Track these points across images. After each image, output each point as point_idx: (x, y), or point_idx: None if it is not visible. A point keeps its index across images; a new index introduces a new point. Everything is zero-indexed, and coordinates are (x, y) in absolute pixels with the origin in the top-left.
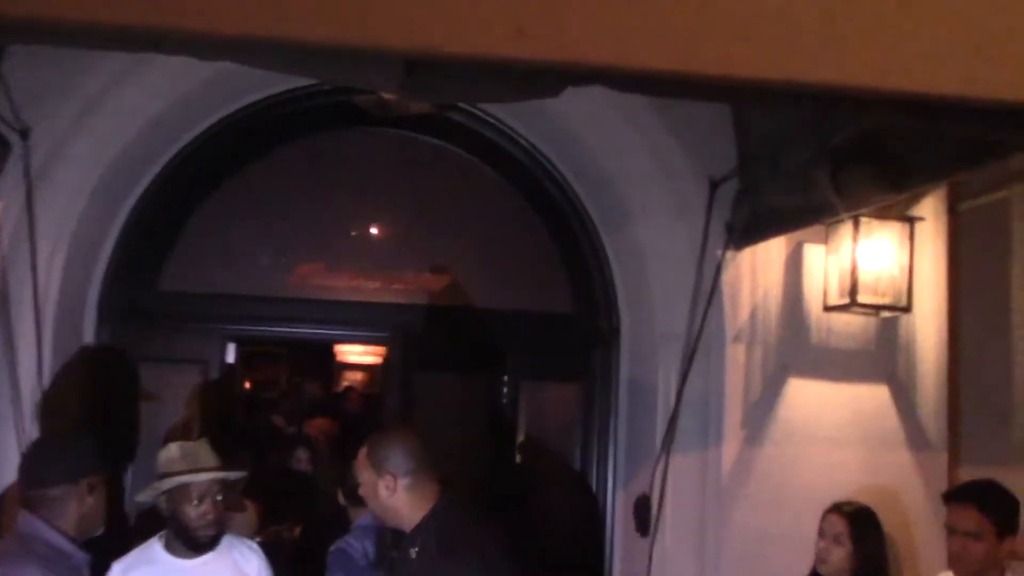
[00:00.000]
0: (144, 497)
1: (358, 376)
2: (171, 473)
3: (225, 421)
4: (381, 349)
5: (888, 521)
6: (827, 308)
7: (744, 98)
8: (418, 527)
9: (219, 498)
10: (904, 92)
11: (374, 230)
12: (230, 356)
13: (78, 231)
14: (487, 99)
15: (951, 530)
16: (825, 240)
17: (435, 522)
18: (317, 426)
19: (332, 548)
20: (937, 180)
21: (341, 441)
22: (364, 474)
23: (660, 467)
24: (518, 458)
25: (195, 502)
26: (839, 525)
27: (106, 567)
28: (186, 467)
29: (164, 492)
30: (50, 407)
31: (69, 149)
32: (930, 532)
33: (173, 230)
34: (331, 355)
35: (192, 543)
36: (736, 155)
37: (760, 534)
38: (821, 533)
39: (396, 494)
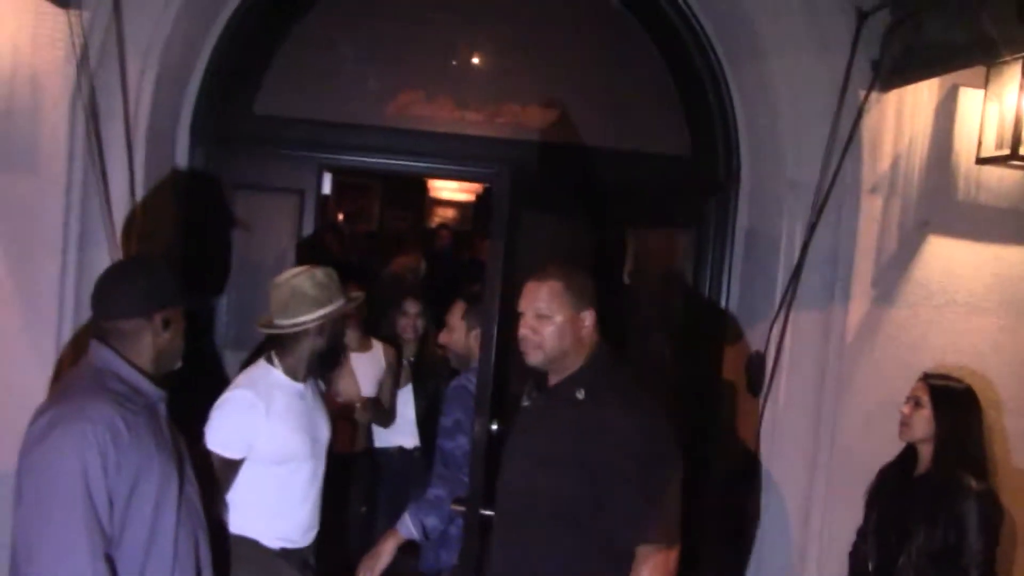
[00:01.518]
0: (301, 319)
1: (450, 213)
2: (322, 300)
3: (318, 251)
4: (475, 187)
5: (1017, 392)
6: (980, 160)
7: None
8: (584, 369)
9: None
10: None
11: (479, 59)
12: (326, 187)
13: (169, 46)
14: None
15: None
16: (985, 84)
17: (606, 367)
18: (401, 263)
19: (452, 383)
20: None
21: (428, 277)
22: (559, 311)
23: (778, 324)
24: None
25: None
26: (920, 390)
27: (185, 402)
28: (337, 293)
29: (322, 317)
30: (139, 231)
31: None
32: None
33: (268, 52)
34: (424, 190)
35: (331, 366)
36: None
37: (883, 400)
38: (906, 400)
39: (590, 330)
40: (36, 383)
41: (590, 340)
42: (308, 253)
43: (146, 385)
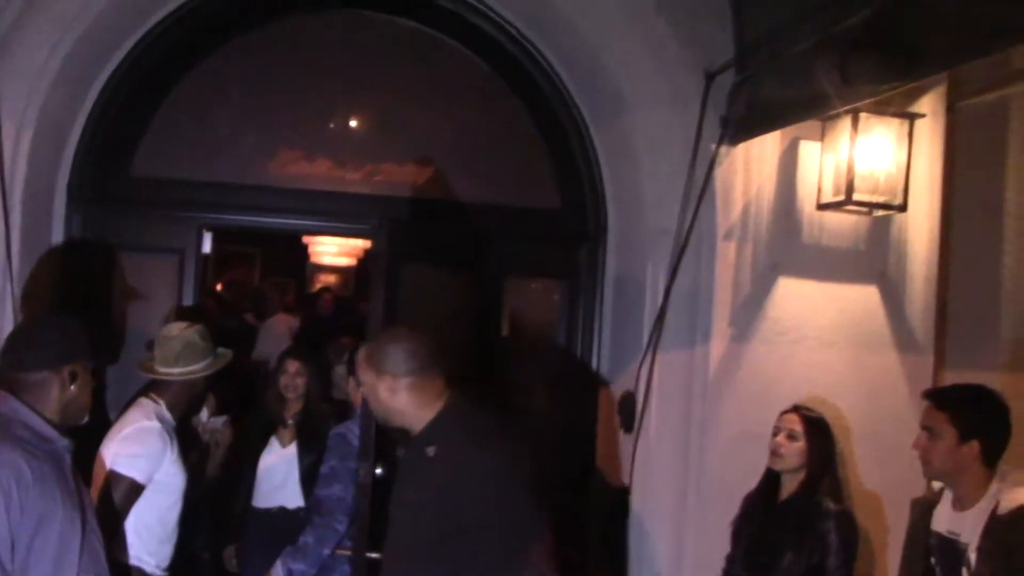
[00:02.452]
0: (192, 367)
1: (331, 279)
2: (208, 353)
3: (201, 315)
4: (356, 251)
5: (870, 421)
6: (820, 206)
7: None
8: (432, 425)
9: None
10: None
11: (355, 118)
12: (206, 246)
13: (44, 111)
14: None
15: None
16: (821, 137)
17: (453, 419)
18: (283, 321)
19: (333, 432)
20: (944, 68)
21: (306, 337)
22: (365, 376)
23: (646, 364)
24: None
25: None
26: (795, 422)
27: (88, 456)
28: (214, 348)
29: (209, 367)
30: (19, 292)
31: (30, 25)
32: (911, 434)
33: (146, 113)
34: (305, 256)
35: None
36: (734, 46)
37: (745, 432)
38: (775, 431)
39: (398, 395)
40: None
41: (412, 401)
42: (190, 317)
43: (52, 434)
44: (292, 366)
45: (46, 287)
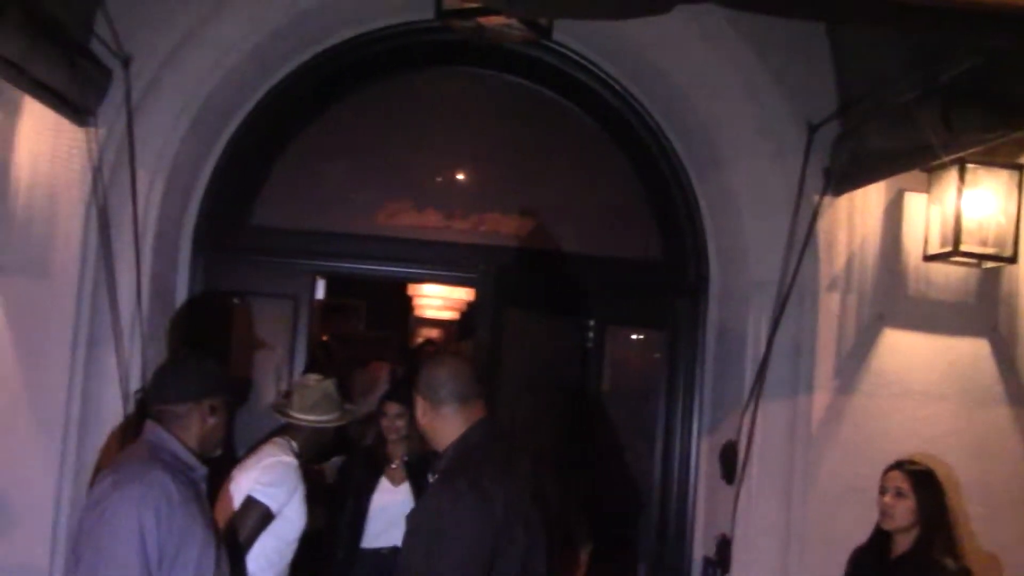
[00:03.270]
0: (327, 417)
1: (434, 333)
2: (340, 405)
3: (313, 363)
4: (459, 304)
5: (981, 477)
6: (927, 258)
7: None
8: (442, 454)
9: None
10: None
11: (463, 171)
12: (319, 293)
13: (176, 162)
14: (594, 14)
15: None
16: (927, 188)
17: (455, 451)
18: (380, 367)
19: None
20: None
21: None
22: (417, 397)
23: (748, 415)
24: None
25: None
26: (900, 480)
27: (218, 486)
28: (341, 406)
29: (342, 418)
30: (143, 333)
31: (168, 80)
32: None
33: (265, 166)
34: (409, 310)
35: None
36: (836, 97)
37: (848, 485)
38: (882, 490)
39: (428, 417)
40: (42, 475)
41: (440, 427)
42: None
43: (194, 461)
44: (392, 409)
45: (170, 330)
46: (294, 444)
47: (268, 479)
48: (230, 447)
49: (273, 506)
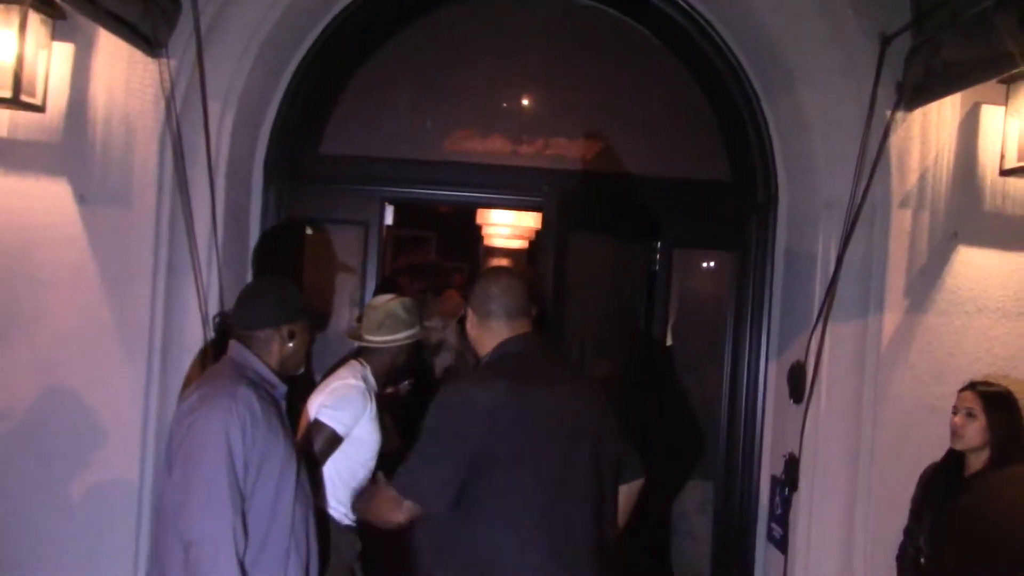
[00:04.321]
0: (394, 336)
1: (504, 262)
2: (411, 324)
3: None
4: (528, 232)
5: None
6: (1004, 172)
7: None
8: (481, 360)
9: None
10: None
11: (527, 95)
12: (388, 219)
13: (245, 92)
14: None
15: None
16: (1004, 101)
17: (490, 357)
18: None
19: None
20: None
21: None
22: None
23: (816, 335)
24: (669, 340)
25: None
26: (971, 400)
27: (295, 406)
28: (418, 321)
29: (411, 336)
30: (220, 261)
31: (234, 11)
32: None
33: (333, 95)
34: (479, 240)
35: (403, 378)
36: (910, 8)
37: (919, 405)
38: (954, 411)
39: (476, 329)
40: (129, 395)
41: (482, 337)
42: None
43: (275, 380)
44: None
45: (245, 255)
46: (366, 367)
47: (333, 402)
48: (308, 370)
49: (340, 428)
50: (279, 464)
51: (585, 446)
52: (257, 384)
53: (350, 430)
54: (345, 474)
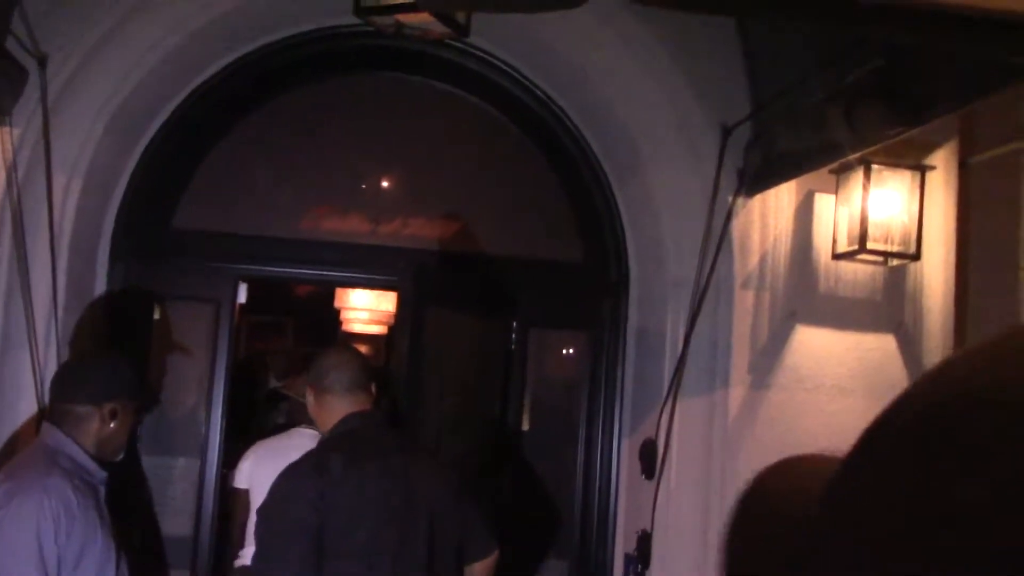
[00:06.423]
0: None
1: (363, 348)
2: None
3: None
4: (386, 317)
5: None
6: (836, 256)
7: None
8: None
9: None
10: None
11: (387, 176)
12: (241, 297)
13: (93, 164)
14: (507, 7)
15: None
16: (835, 190)
17: (328, 435)
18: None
19: None
20: (952, 110)
21: None
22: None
23: (667, 412)
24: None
25: None
26: None
27: (119, 491)
28: None
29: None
30: (59, 338)
31: (85, 80)
32: None
33: (187, 168)
34: (337, 325)
35: None
36: (749, 101)
37: None
38: None
39: (314, 404)
40: None
41: (319, 414)
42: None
43: (92, 466)
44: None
45: (88, 333)
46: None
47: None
48: (133, 452)
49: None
50: (97, 559)
51: (422, 523)
52: (72, 472)
53: None
54: None
